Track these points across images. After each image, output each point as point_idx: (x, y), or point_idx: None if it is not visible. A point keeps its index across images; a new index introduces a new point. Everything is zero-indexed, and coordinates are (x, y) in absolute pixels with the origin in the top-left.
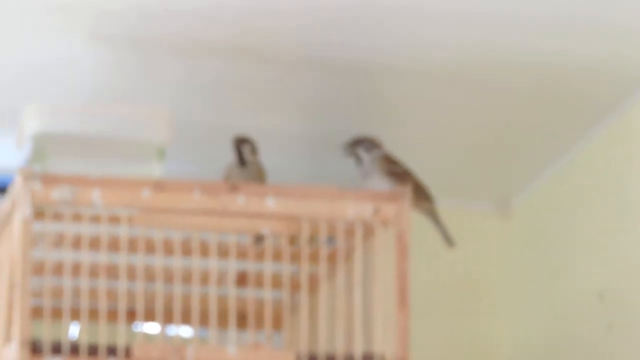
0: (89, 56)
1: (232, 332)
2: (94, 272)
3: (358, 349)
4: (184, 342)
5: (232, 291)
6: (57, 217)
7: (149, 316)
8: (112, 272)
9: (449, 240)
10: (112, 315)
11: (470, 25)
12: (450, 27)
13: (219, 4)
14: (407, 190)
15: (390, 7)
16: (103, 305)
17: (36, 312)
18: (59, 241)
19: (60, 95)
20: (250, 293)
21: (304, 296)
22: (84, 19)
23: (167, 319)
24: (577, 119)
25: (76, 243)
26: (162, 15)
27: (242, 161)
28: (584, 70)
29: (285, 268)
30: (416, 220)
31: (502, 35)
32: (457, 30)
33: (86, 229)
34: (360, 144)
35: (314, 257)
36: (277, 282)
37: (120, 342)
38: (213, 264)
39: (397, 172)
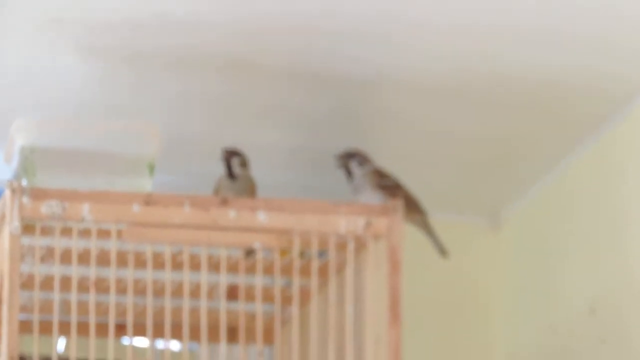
0: (79, 70)
1: (223, 346)
2: (83, 287)
3: None
4: (174, 356)
5: (222, 305)
6: (46, 231)
7: (139, 330)
8: (101, 286)
9: (442, 251)
10: (101, 330)
11: (463, 39)
12: (444, 41)
13: (210, 19)
14: (399, 204)
15: (385, 21)
16: (92, 319)
17: (25, 327)
18: (47, 255)
19: (50, 108)
20: (241, 307)
21: (295, 310)
22: (74, 33)
23: (157, 333)
24: (568, 133)
25: (65, 257)
26: (153, 29)
27: (231, 174)
28: (575, 84)
29: (277, 282)
30: (408, 233)
31: (496, 50)
32: (451, 45)
33: (75, 243)
34: (352, 158)
35: (305, 271)
36: (268, 296)
37: (110, 356)
38: (203, 277)
39: (388, 185)
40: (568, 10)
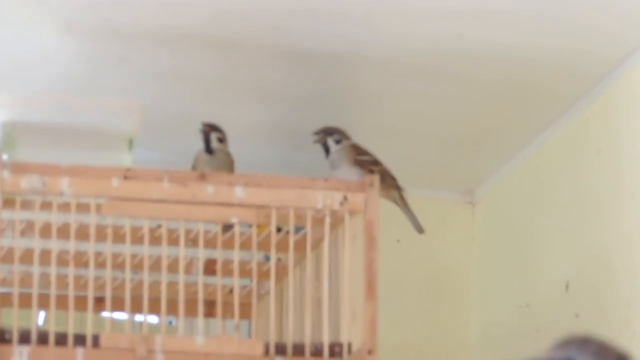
0: (62, 47)
1: (200, 320)
2: (62, 261)
3: (326, 338)
4: (151, 329)
5: (200, 279)
6: (26, 205)
7: (117, 304)
8: (80, 260)
9: (418, 227)
10: (80, 304)
11: (439, 20)
12: (421, 21)
13: None
14: (375, 179)
15: (364, 2)
16: (71, 293)
17: (4, 300)
18: (27, 229)
19: (31, 85)
20: (218, 281)
21: (272, 285)
22: (58, 10)
23: (136, 307)
24: (542, 111)
25: (45, 231)
26: (134, 5)
27: (209, 149)
28: (548, 63)
29: (254, 256)
30: (385, 209)
31: (470, 29)
32: (428, 25)
33: (55, 218)
34: (330, 134)
35: (282, 246)
36: (245, 271)
37: (88, 330)
38: (181, 252)
39: (365, 161)
40: None
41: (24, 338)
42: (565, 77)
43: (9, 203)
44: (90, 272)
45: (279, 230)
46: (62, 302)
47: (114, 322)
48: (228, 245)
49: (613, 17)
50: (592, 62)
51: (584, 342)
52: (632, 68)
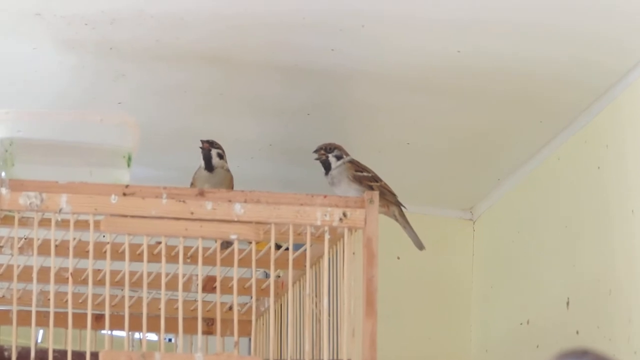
0: (58, 63)
1: (200, 338)
2: (61, 278)
3: (325, 355)
4: (151, 348)
5: (199, 297)
6: (24, 222)
7: (116, 322)
8: (79, 277)
9: (418, 244)
10: (79, 321)
11: (439, 33)
12: (420, 33)
13: (188, 14)
14: (375, 195)
15: (361, 15)
16: (70, 310)
17: (3, 318)
18: (26, 246)
19: (27, 100)
20: (217, 298)
21: (271, 302)
22: (53, 26)
23: (134, 324)
24: (545, 125)
25: (43, 248)
26: (131, 21)
27: (209, 166)
28: (552, 76)
29: (253, 273)
30: (384, 225)
31: (470, 41)
32: (428, 38)
33: (54, 235)
34: (331, 151)
35: (281, 263)
36: (244, 288)
37: (87, 348)
38: (180, 269)
39: (365, 177)
40: (546, 2)
41: (23, 356)
42: (569, 90)
43: (7, 220)
44: (89, 290)
45: (278, 247)
46: (60, 319)
47: (113, 339)
48: (227, 262)
49: (619, 26)
50: (596, 74)
51: (583, 354)
52: (637, 81)
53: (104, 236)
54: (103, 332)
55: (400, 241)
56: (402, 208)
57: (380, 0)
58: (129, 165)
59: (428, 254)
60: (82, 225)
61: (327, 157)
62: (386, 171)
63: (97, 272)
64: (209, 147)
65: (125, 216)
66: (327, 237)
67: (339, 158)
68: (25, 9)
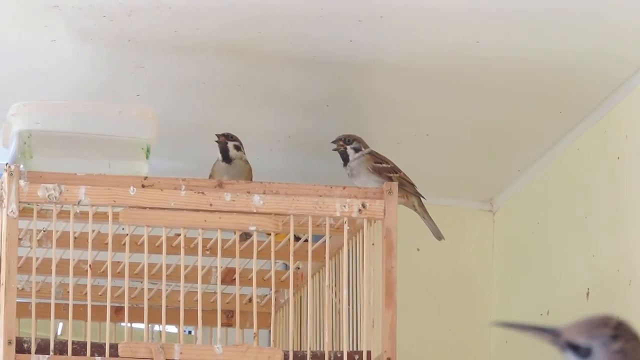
0: (77, 54)
1: (219, 330)
2: (80, 270)
3: (345, 347)
4: (170, 340)
5: (218, 289)
6: (43, 214)
7: (135, 314)
8: (98, 269)
9: (438, 235)
10: (98, 314)
11: (457, 24)
12: (438, 25)
13: (207, 4)
14: (394, 186)
15: (380, 5)
16: (89, 303)
17: (22, 310)
18: (45, 238)
19: (46, 92)
20: (237, 290)
21: (291, 293)
22: (71, 18)
23: (154, 317)
24: (563, 116)
25: (62, 240)
26: (148, 12)
27: (227, 158)
28: (570, 67)
29: (272, 265)
30: (403, 216)
31: (488, 33)
32: (446, 29)
33: (72, 226)
34: (349, 142)
35: (301, 254)
36: (264, 280)
37: (107, 340)
38: (199, 261)
39: (384, 168)
40: None
41: (42, 348)
42: (586, 80)
43: (25, 212)
44: (108, 282)
45: (297, 238)
46: (80, 312)
47: (132, 331)
48: (246, 253)
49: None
50: (614, 65)
51: (618, 326)
52: None
53: (122, 228)
54: (122, 324)
55: (420, 232)
56: (422, 198)
57: None
58: (147, 157)
59: (447, 245)
60: (100, 217)
61: (346, 148)
62: (405, 163)
63: (116, 264)
64: (225, 140)
65: (144, 208)
66: (346, 228)
67: (357, 150)
68: (42, 1)
